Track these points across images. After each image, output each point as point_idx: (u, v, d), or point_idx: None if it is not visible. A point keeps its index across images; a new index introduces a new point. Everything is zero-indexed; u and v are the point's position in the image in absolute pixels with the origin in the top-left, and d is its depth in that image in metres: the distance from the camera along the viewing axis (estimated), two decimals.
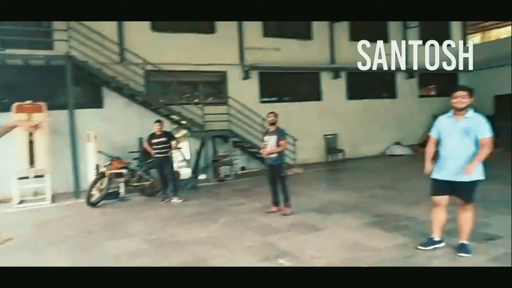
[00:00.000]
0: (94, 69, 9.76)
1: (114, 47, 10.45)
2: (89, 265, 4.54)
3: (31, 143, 8.65)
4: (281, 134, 6.40)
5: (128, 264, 4.46)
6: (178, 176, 9.27)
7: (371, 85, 15.37)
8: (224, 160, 11.15)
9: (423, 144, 15.39)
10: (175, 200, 8.00)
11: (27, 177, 8.57)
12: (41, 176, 8.70)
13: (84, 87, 10.67)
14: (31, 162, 8.62)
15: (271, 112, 6.59)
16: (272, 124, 6.48)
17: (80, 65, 9.49)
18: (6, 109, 8.91)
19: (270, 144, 6.40)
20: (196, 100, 11.58)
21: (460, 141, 4.02)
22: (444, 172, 4.16)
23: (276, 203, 6.61)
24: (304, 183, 9.69)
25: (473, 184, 4.04)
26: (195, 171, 11.27)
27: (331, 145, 13.96)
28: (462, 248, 4.14)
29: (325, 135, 13.96)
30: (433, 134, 4.32)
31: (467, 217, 4.14)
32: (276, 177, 6.47)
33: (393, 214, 6.03)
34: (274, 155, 6.37)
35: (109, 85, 10.50)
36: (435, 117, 4.31)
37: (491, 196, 6.51)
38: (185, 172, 10.85)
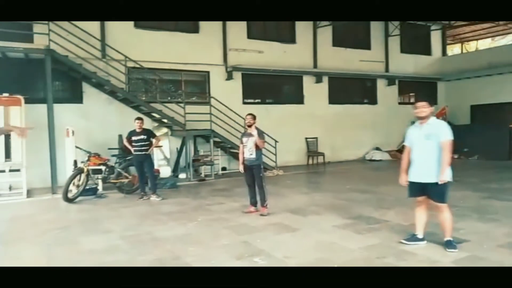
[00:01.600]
0: (75, 64, 9.67)
1: (96, 42, 10.36)
2: (63, 259, 4.52)
3: (7, 136, 8.51)
4: (259, 135, 6.47)
5: (102, 259, 4.45)
6: (157, 174, 9.24)
7: (352, 90, 15.69)
8: (204, 160, 11.16)
9: (400, 150, 15.77)
10: (153, 198, 7.99)
11: (3, 171, 8.42)
12: (17, 170, 8.56)
13: (64, 81, 10.56)
14: (7, 156, 8.48)
15: (248, 114, 6.65)
16: (250, 126, 6.54)
17: (60, 59, 9.39)
18: None
19: (248, 145, 6.46)
20: (178, 98, 11.56)
21: (424, 145, 4.38)
22: (415, 174, 4.50)
23: (254, 203, 6.68)
24: (283, 185, 9.80)
25: (441, 185, 4.29)
26: (175, 170, 11.28)
27: (312, 148, 14.15)
28: (448, 244, 4.41)
29: (307, 138, 14.13)
30: (406, 143, 4.71)
31: (443, 217, 4.42)
32: (254, 178, 6.54)
33: (366, 216, 6.18)
34: (252, 157, 6.44)
35: (89, 81, 10.41)
36: (413, 124, 4.64)
37: (463, 202, 6.76)
38: (165, 171, 10.83)
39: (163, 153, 11.43)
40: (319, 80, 14.57)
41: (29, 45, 9.36)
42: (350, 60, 15.14)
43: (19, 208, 7.60)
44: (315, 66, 14.53)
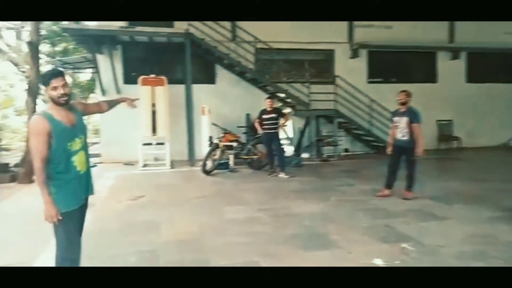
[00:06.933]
0: (211, 46, 10.28)
1: (227, 25, 10.83)
2: (211, 227, 4.89)
3: (154, 113, 9.53)
4: (413, 116, 5.95)
5: (246, 229, 4.69)
6: (284, 152, 9.42)
7: (495, 67, 13.77)
8: (328, 140, 11.03)
9: None
10: (282, 175, 8.18)
11: (150, 144, 9.49)
12: (162, 143, 9.56)
13: (199, 64, 11.32)
14: (154, 130, 9.51)
15: (403, 91, 6.09)
16: (403, 104, 6.06)
17: (198, 42, 10.06)
18: (134, 81, 9.91)
19: (401, 126, 6.03)
20: (302, 78, 11.55)
21: None
22: None
23: (389, 186, 6.32)
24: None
25: None
26: (298, 149, 11.38)
27: (445, 132, 12.92)
28: None
29: (439, 120, 12.94)
30: None
31: None
32: (399, 161, 6.15)
33: None
34: (405, 138, 6.01)
35: (222, 62, 10.98)
36: None
37: None
38: (288, 150, 10.99)
39: (286, 132, 11.60)
40: (455, 56, 13.11)
41: (170, 29, 10.22)
42: (493, 33, 13.24)
43: (165, 177, 8.50)
44: (451, 41, 13.10)
